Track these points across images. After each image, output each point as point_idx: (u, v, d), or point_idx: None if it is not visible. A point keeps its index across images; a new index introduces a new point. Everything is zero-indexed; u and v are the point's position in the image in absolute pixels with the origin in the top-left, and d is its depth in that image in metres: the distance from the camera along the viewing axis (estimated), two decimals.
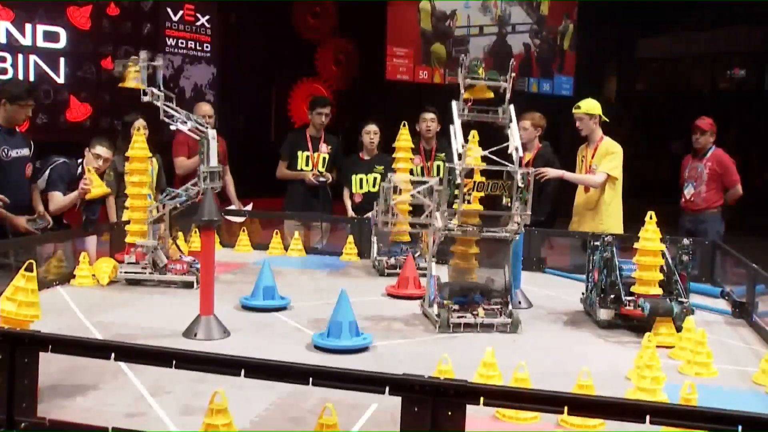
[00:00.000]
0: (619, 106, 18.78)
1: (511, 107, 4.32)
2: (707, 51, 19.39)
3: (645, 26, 18.48)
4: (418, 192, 4.76)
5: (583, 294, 4.77)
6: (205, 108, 7.84)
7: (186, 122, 4.79)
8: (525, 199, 4.14)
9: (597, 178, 6.87)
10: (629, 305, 4.21)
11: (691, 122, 7.93)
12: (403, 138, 6.02)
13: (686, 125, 8.01)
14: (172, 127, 4.84)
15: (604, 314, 4.36)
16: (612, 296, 4.34)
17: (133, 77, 4.77)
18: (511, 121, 4.32)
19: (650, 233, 4.17)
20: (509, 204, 4.16)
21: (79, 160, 6.51)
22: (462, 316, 4.24)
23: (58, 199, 6.26)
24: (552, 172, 6.93)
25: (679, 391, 2.94)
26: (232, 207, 7.52)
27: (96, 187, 5.60)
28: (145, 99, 4.73)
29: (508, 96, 4.34)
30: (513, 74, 4.31)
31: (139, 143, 5.22)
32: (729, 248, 5.52)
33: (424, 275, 5.53)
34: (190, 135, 4.92)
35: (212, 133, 4.88)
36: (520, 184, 4.10)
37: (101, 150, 6.50)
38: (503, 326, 4.24)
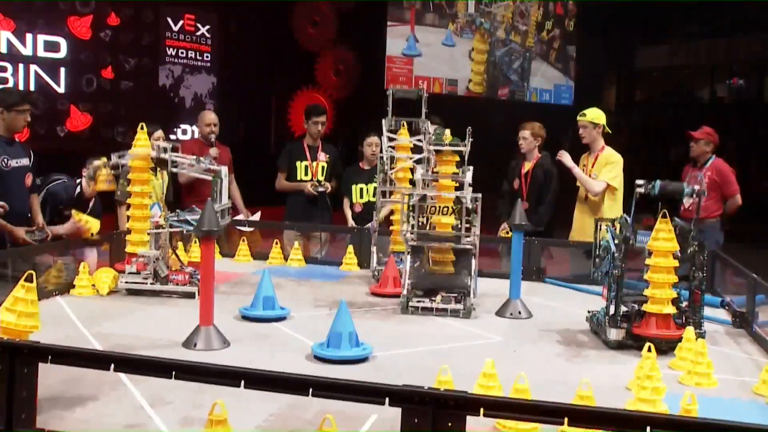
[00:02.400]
0: (619, 115, 18.80)
1: (470, 168, 5.05)
2: (707, 60, 19.42)
3: (645, 36, 18.53)
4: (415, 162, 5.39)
5: (589, 312, 4.53)
6: (210, 116, 7.85)
7: (195, 165, 4.94)
8: (474, 222, 4.86)
9: (596, 185, 6.89)
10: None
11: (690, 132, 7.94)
12: (402, 137, 5.97)
13: (685, 134, 8.02)
14: (182, 174, 5.03)
15: (614, 334, 4.15)
16: (622, 314, 4.15)
17: (104, 179, 5.01)
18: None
19: (662, 240, 3.99)
20: (459, 225, 4.86)
21: (78, 180, 6.52)
22: (420, 301, 4.84)
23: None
24: (567, 159, 7.00)
25: (680, 401, 2.93)
26: (240, 216, 7.52)
27: (89, 225, 5.59)
28: (153, 154, 5.00)
29: (466, 157, 5.06)
30: (470, 140, 5.01)
31: (141, 141, 5.09)
32: (729, 258, 5.51)
33: None
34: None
35: (224, 171, 4.95)
36: (469, 206, 4.81)
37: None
38: (455, 311, 4.77)
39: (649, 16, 16.91)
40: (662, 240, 3.99)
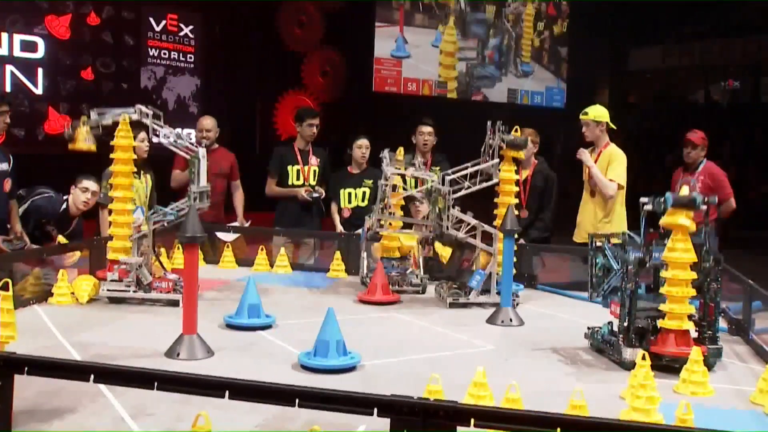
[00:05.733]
0: (612, 117, 18.87)
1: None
2: (701, 63, 19.50)
3: (638, 38, 18.58)
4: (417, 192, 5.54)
5: (589, 329, 4.29)
6: (204, 122, 7.71)
7: (169, 137, 4.83)
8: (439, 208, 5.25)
9: (611, 187, 6.85)
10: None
11: (684, 134, 7.91)
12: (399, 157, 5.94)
13: (680, 137, 7.99)
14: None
15: (630, 354, 3.82)
16: (637, 331, 3.87)
17: (84, 138, 4.85)
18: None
19: (679, 252, 3.80)
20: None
21: (65, 197, 6.43)
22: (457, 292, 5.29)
23: None
24: (587, 158, 6.93)
25: (675, 411, 2.87)
26: (235, 223, 7.44)
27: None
28: (134, 117, 4.87)
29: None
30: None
31: (123, 132, 4.95)
32: (725, 264, 5.44)
33: (417, 292, 5.51)
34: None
35: (202, 152, 4.84)
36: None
37: (88, 183, 6.44)
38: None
39: (643, 17, 16.96)
40: (679, 251, 3.79)
